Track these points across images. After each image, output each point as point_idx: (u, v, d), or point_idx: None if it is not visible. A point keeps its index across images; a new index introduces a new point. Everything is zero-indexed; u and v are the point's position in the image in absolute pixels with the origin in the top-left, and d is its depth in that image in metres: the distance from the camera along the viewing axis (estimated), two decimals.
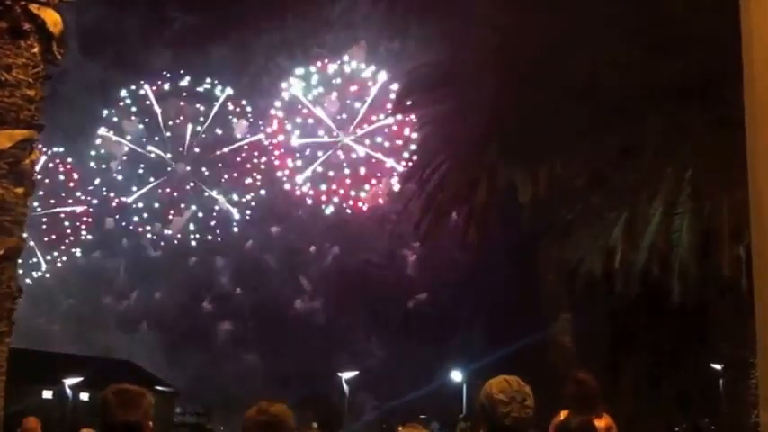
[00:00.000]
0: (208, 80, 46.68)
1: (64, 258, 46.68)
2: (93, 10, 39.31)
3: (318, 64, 45.39)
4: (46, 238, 45.12)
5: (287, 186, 46.11)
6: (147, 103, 47.06)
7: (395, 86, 36.63)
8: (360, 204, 45.79)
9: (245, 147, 47.36)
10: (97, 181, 47.12)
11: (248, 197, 47.41)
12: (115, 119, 47.04)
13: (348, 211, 46.06)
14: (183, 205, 47.72)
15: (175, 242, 47.73)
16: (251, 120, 47.07)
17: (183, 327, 45.44)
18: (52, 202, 44.80)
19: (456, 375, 39.16)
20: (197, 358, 44.40)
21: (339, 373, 37.79)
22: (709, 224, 12.34)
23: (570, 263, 14.20)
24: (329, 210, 46.06)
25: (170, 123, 47.15)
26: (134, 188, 47.58)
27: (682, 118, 12.73)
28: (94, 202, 47.22)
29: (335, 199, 45.81)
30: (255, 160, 47.24)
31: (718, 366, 18.77)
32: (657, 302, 14.45)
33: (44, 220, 44.68)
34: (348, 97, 45.60)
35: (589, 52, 13.41)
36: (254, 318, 46.86)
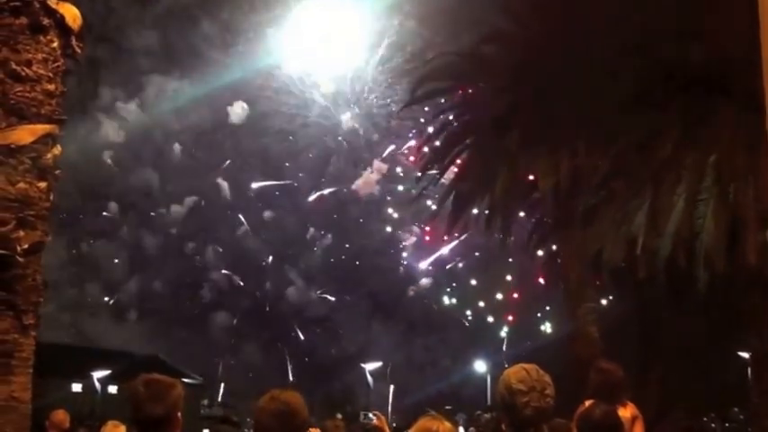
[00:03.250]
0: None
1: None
2: None
3: None
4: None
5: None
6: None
7: None
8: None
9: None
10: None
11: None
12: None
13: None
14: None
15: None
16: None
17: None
18: None
19: (480, 366, 39.00)
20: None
21: (363, 365, 37.80)
22: (734, 210, 12.16)
23: (592, 251, 14.05)
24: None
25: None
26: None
27: (705, 104, 12.55)
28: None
29: None
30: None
31: (747, 355, 18.54)
32: (683, 291, 14.28)
33: None
34: None
35: (610, 39, 13.27)
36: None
